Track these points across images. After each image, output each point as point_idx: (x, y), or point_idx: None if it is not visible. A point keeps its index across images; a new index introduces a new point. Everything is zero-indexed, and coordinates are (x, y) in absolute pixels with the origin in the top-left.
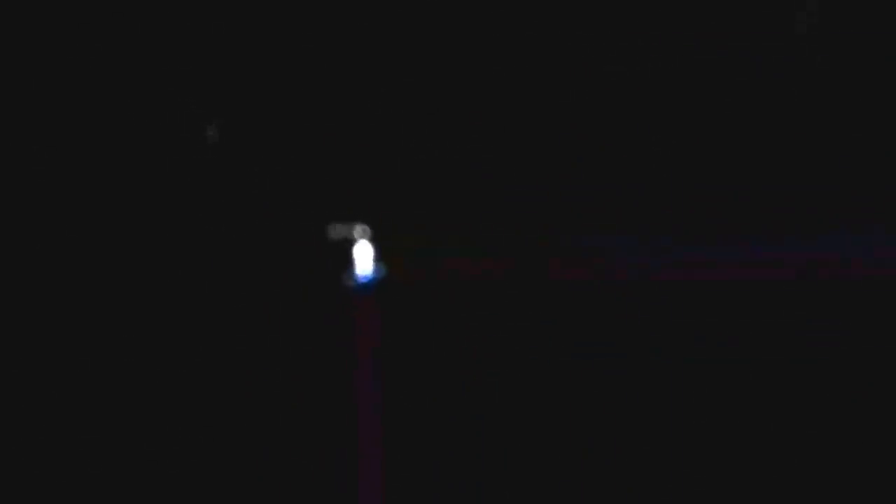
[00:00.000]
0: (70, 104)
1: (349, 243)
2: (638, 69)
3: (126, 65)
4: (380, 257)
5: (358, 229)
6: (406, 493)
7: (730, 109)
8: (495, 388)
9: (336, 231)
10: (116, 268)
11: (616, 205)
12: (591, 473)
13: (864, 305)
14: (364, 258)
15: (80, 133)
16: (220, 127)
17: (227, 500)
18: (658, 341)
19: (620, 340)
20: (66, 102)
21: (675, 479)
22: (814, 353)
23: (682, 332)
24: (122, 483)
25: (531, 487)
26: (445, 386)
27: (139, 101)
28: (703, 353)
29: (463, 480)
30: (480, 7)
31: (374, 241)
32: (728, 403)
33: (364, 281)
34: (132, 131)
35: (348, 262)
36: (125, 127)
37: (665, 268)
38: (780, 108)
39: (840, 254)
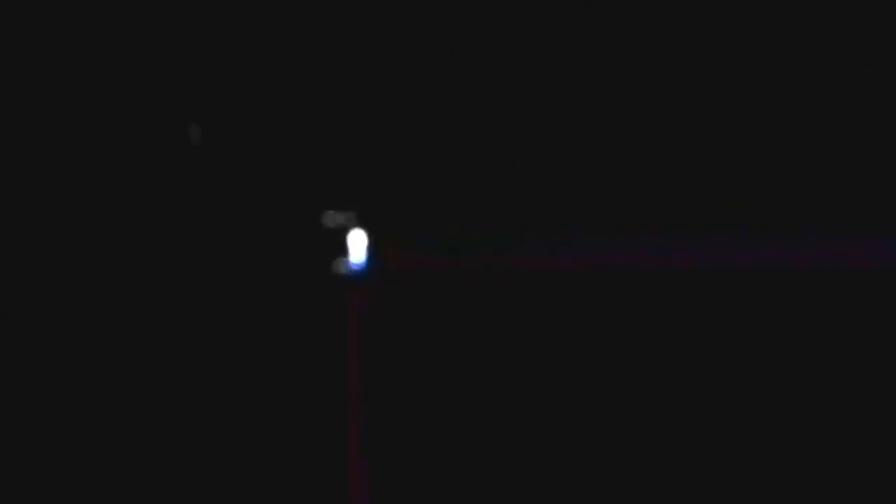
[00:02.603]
0: (61, 99)
1: (342, 231)
2: (625, 70)
3: (119, 57)
4: (372, 245)
5: (350, 217)
6: (394, 482)
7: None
8: (485, 378)
9: (329, 219)
10: (106, 257)
11: (607, 202)
12: (586, 470)
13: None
14: (357, 246)
15: (73, 123)
16: (201, 127)
17: (214, 491)
18: (649, 337)
19: (611, 335)
20: (54, 98)
21: (669, 479)
22: (807, 351)
23: (677, 329)
24: (111, 477)
25: (522, 481)
26: (436, 375)
27: (131, 92)
28: (696, 351)
29: (449, 470)
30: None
31: (366, 228)
32: (717, 402)
33: (357, 269)
34: (123, 123)
35: (342, 249)
36: (116, 119)
37: (656, 264)
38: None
39: (837, 253)
